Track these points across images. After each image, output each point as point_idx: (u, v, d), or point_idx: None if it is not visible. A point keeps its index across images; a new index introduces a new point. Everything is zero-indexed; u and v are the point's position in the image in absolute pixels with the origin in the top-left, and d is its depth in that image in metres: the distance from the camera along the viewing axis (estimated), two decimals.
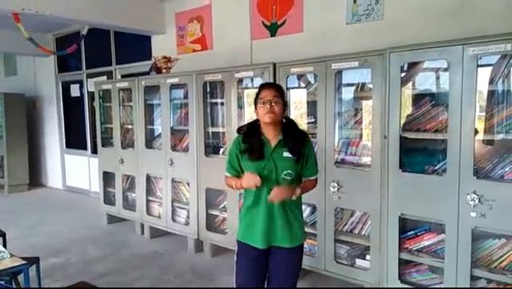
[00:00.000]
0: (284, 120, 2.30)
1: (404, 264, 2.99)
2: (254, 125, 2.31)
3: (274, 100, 2.18)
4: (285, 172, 2.21)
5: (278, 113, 2.20)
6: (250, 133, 2.29)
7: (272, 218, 2.23)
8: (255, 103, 2.27)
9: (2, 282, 2.68)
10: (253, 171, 2.20)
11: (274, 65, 3.57)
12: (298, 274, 2.35)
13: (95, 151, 6.76)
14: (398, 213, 2.92)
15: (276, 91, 2.23)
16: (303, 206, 3.53)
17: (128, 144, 5.28)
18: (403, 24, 3.45)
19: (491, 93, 2.68)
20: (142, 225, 5.05)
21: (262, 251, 2.26)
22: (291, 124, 2.34)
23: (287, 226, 2.25)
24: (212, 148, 4.30)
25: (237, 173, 2.34)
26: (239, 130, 2.38)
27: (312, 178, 2.38)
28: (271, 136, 2.26)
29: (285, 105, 2.27)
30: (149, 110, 4.97)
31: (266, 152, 2.23)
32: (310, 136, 3.50)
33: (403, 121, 2.91)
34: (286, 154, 2.23)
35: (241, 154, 2.29)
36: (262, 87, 2.30)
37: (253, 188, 2.18)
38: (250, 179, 2.16)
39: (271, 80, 3.55)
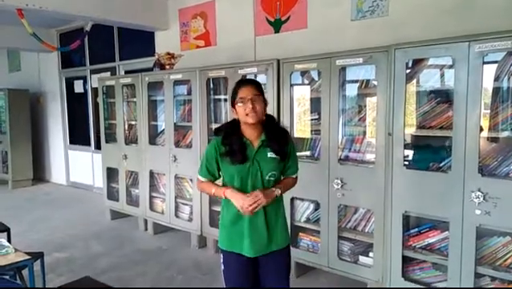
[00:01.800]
0: (264, 118, 2.14)
1: (407, 261, 2.98)
2: (234, 125, 2.15)
3: (254, 99, 2.04)
4: (270, 173, 2.11)
5: (261, 112, 2.07)
6: (230, 134, 2.13)
7: (256, 227, 2.12)
8: (233, 102, 2.11)
9: (7, 277, 2.69)
10: (236, 175, 2.10)
11: (278, 61, 3.56)
12: (289, 272, 2.30)
13: (98, 147, 6.77)
14: (402, 210, 2.91)
15: (256, 88, 2.09)
16: (306, 203, 3.58)
17: (131, 140, 5.30)
18: (408, 20, 3.43)
19: (496, 90, 2.66)
20: (145, 221, 5.07)
21: (249, 259, 2.16)
22: (272, 121, 2.20)
23: (272, 233, 2.16)
24: None
25: (213, 178, 2.23)
26: (217, 131, 2.21)
27: (293, 176, 2.29)
28: (253, 136, 2.12)
29: (265, 102, 2.12)
30: (153, 106, 4.97)
31: (249, 154, 2.09)
32: (314, 132, 3.57)
33: (407, 118, 2.90)
34: (271, 154, 2.11)
35: (221, 158, 2.13)
36: (240, 84, 2.12)
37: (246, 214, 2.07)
38: (240, 202, 2.04)
39: (275, 77, 3.54)
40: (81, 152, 7.80)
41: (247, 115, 2.04)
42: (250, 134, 2.12)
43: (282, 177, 2.25)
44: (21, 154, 7.95)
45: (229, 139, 2.12)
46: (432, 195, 2.76)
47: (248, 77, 3.92)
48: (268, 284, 2.22)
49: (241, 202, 2.04)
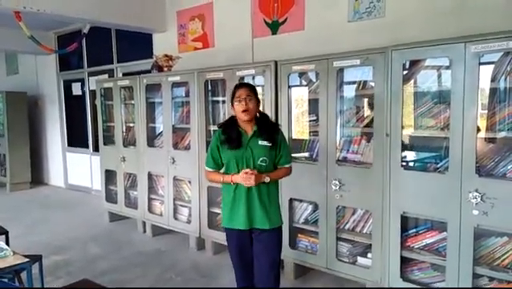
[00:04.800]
0: (258, 115, 2.59)
1: (405, 262, 2.99)
2: (232, 120, 2.60)
3: (248, 98, 2.49)
4: (261, 158, 2.51)
5: (253, 109, 2.51)
6: (229, 126, 2.58)
7: (251, 202, 2.50)
8: (232, 102, 2.55)
9: (5, 280, 2.69)
10: (232, 159, 2.52)
11: (276, 63, 3.57)
12: (279, 254, 2.62)
13: (96, 149, 6.77)
14: (400, 211, 2.92)
15: (250, 90, 2.53)
16: (305, 204, 3.58)
17: (129, 142, 5.29)
18: (405, 22, 3.45)
19: (493, 91, 2.68)
20: (144, 224, 5.06)
21: (245, 232, 2.55)
22: (264, 117, 2.64)
23: (264, 210, 2.52)
24: None
25: (218, 167, 2.64)
26: (220, 125, 2.67)
27: (286, 166, 2.64)
28: (247, 127, 2.55)
29: (258, 102, 2.56)
30: (151, 108, 4.97)
31: (244, 141, 2.52)
32: (312, 133, 3.58)
33: (404, 119, 2.91)
34: (262, 142, 2.51)
35: (221, 145, 2.57)
36: (237, 87, 2.59)
37: (246, 186, 2.46)
38: (247, 179, 2.43)
39: (273, 78, 3.55)
40: (79, 154, 7.79)
41: (243, 112, 2.48)
42: (245, 126, 2.56)
43: (278, 167, 2.62)
44: (19, 157, 7.93)
45: (228, 129, 2.57)
46: (429, 196, 2.77)
47: (246, 79, 3.94)
48: (259, 259, 2.56)
49: (241, 178, 2.45)
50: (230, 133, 2.54)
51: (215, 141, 2.61)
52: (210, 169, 2.65)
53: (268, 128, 2.56)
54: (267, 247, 2.55)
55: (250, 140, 2.52)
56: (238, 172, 2.49)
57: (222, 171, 2.64)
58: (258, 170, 2.48)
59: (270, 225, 2.53)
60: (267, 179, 2.50)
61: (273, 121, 2.67)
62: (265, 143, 2.51)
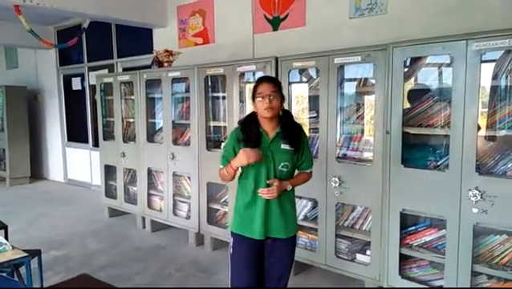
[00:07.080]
0: (281, 113, 2.32)
1: (404, 259, 2.99)
2: (252, 117, 2.34)
3: (272, 95, 2.21)
4: (282, 164, 2.28)
5: (277, 107, 2.24)
6: (249, 124, 2.33)
7: (269, 211, 2.29)
8: (253, 97, 2.29)
9: (4, 274, 2.69)
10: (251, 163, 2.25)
11: (276, 59, 3.55)
12: (290, 266, 2.45)
13: (96, 144, 6.76)
14: (399, 208, 2.92)
15: (274, 85, 2.26)
16: (304, 201, 3.58)
17: (129, 137, 5.29)
18: (406, 19, 3.43)
19: (494, 89, 2.67)
20: (143, 219, 5.06)
21: (257, 242, 2.32)
22: (288, 116, 2.36)
23: (283, 218, 2.32)
24: (213, 142, 4.29)
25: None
26: (240, 121, 2.43)
27: (307, 171, 2.45)
28: (269, 128, 2.30)
29: (282, 98, 2.30)
30: (151, 104, 4.96)
31: (264, 143, 2.28)
32: (313, 130, 3.57)
33: (405, 116, 2.90)
34: (284, 146, 2.28)
35: (238, 144, 2.30)
36: (260, 81, 2.31)
37: (252, 162, 2.20)
38: (251, 154, 2.18)
39: (273, 75, 3.53)
40: (79, 149, 7.78)
41: (265, 109, 2.21)
42: (267, 126, 2.30)
43: (296, 172, 2.42)
44: (18, 151, 7.91)
45: (247, 127, 2.31)
46: (429, 193, 2.77)
47: (246, 75, 3.93)
48: (272, 269, 2.37)
49: (244, 156, 2.18)
50: (249, 133, 2.28)
51: (231, 143, 2.34)
52: (222, 166, 2.38)
53: (292, 130, 2.30)
54: (279, 258, 2.37)
55: (272, 143, 2.28)
56: (257, 178, 2.26)
57: (239, 173, 2.35)
58: (278, 176, 2.27)
59: (285, 234, 2.33)
60: (289, 187, 2.30)
61: (296, 122, 2.40)
62: (287, 147, 2.27)
